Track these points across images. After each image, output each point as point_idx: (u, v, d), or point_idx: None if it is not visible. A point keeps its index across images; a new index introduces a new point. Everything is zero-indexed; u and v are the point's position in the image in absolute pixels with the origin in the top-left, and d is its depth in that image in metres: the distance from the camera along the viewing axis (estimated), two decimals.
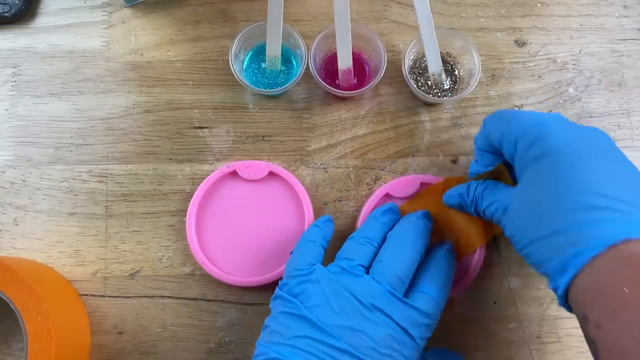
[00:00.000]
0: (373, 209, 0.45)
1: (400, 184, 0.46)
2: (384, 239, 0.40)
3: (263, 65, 0.49)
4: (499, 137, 0.36)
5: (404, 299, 0.36)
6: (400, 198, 0.46)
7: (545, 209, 0.31)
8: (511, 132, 0.35)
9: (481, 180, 0.39)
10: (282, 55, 0.48)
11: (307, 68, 0.46)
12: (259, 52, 0.49)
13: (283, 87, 0.46)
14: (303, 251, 0.40)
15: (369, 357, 0.34)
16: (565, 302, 0.31)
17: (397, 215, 0.42)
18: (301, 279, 0.37)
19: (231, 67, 0.46)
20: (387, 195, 0.46)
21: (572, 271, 0.29)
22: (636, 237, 0.28)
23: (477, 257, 0.45)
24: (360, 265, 0.38)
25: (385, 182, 0.47)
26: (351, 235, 0.40)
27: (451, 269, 0.40)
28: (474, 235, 0.42)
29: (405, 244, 0.39)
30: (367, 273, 0.37)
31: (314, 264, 0.38)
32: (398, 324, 0.35)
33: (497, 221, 0.36)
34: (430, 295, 0.37)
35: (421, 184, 0.46)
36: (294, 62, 0.49)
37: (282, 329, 0.36)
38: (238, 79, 0.46)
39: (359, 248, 0.39)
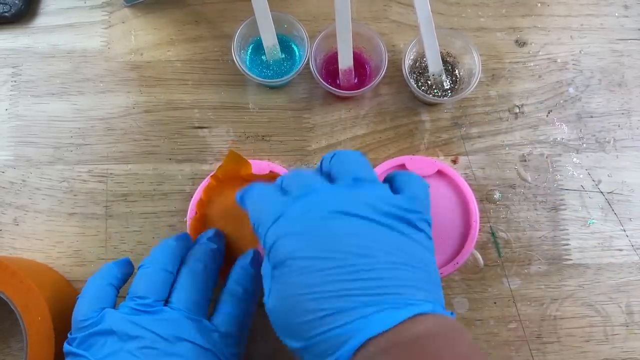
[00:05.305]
0: (386, 171, 0.46)
1: (419, 163, 0.46)
2: (180, 262, 0.39)
3: (264, 58, 0.49)
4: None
5: (205, 321, 0.37)
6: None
7: (291, 322, 0.30)
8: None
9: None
10: (280, 42, 0.48)
11: (307, 65, 0.46)
12: (258, 47, 0.49)
13: (290, 74, 0.46)
14: (89, 294, 0.36)
15: None
16: None
17: (189, 242, 0.41)
18: (90, 330, 0.34)
19: (236, 63, 0.46)
20: (402, 166, 0.46)
21: None
22: (374, 334, 0.28)
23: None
24: (157, 300, 0.36)
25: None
26: (142, 263, 0.38)
27: (249, 281, 0.40)
28: None
29: (198, 272, 0.38)
30: (166, 304, 0.37)
31: (104, 308, 0.36)
32: (203, 347, 0.35)
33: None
34: (228, 313, 0.38)
35: (439, 171, 0.46)
36: (295, 48, 0.49)
37: None
38: (244, 71, 0.46)
39: (152, 280, 0.37)
